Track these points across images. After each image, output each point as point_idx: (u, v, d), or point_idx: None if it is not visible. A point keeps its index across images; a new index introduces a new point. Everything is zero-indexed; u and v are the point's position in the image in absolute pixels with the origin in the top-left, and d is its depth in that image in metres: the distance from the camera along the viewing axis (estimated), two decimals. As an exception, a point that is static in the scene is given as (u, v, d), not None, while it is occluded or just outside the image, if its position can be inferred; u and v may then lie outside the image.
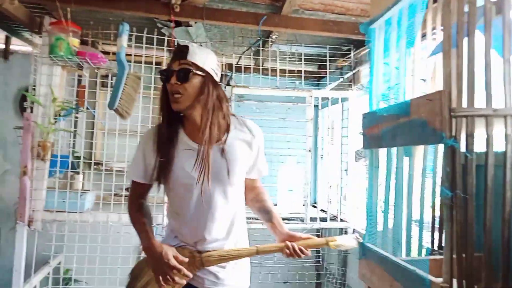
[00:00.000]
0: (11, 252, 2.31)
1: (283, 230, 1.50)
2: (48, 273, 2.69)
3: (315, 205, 3.25)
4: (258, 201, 1.56)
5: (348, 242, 1.49)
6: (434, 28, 1.57)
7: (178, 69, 1.29)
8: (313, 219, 2.64)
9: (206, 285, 1.39)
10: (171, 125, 1.36)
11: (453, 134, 1.05)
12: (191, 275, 1.33)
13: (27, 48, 3.18)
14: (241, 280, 1.47)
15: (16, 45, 3.23)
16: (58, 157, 2.54)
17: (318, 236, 3.18)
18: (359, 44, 2.69)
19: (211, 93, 1.31)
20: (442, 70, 1.12)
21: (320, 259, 2.96)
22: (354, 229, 2.71)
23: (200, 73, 1.30)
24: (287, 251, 1.38)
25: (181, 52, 1.30)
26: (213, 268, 1.38)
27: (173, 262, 1.30)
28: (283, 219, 2.63)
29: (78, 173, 2.80)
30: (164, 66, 2.62)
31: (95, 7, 2.25)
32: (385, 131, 1.40)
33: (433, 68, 1.55)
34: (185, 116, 1.37)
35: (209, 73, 1.32)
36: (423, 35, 1.56)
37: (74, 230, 2.58)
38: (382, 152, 1.59)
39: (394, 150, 1.51)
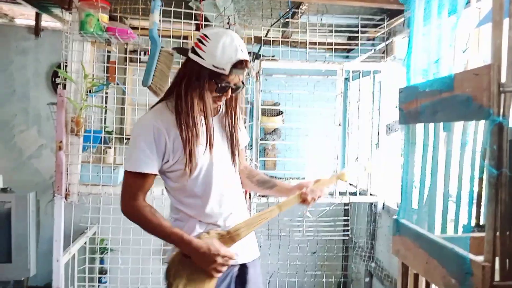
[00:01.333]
0: (51, 223, 2.42)
1: (291, 187, 1.52)
2: (85, 243, 2.81)
3: (343, 179, 3.23)
4: (254, 175, 1.58)
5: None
6: (479, -4, 1.48)
7: (235, 86, 1.34)
8: (342, 193, 2.63)
9: (239, 260, 1.41)
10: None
11: (502, 110, 1.01)
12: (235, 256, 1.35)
13: (57, 24, 3.21)
14: (255, 241, 1.55)
15: (46, 21, 3.26)
16: (91, 132, 2.61)
17: (346, 211, 3.19)
18: (393, 14, 2.58)
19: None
20: (489, 41, 1.06)
21: (349, 232, 2.97)
22: (384, 203, 2.69)
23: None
24: (305, 196, 1.41)
25: (245, 68, 1.32)
26: (241, 242, 1.39)
27: (224, 250, 1.30)
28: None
29: (110, 147, 2.87)
30: (191, 41, 2.60)
31: (123, -18, 2.23)
32: (425, 106, 1.36)
33: (477, 39, 1.47)
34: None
35: None
36: (466, 2, 1.47)
37: (109, 202, 2.67)
38: (419, 127, 1.54)
39: (431, 125, 1.46)
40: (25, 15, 3.22)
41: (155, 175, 1.35)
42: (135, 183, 1.32)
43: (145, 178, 1.32)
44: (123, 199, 1.34)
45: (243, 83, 1.35)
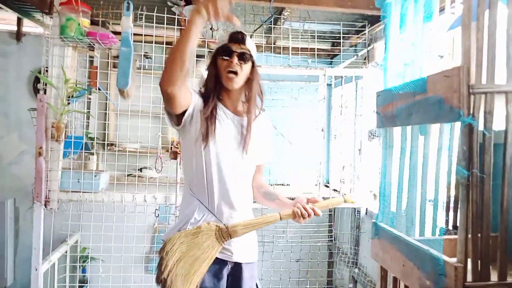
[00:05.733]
0: (30, 231, 2.37)
1: (289, 202, 1.54)
2: (66, 251, 2.76)
3: (327, 185, 3.24)
4: (263, 186, 1.65)
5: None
6: (453, 1, 1.50)
7: (240, 51, 1.46)
8: (325, 199, 2.63)
9: (234, 257, 1.47)
10: (216, 98, 1.50)
11: (471, 111, 1.02)
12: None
13: (39, 30, 3.18)
14: (256, 247, 1.61)
15: (28, 26, 3.23)
16: (72, 138, 2.57)
17: (331, 216, 3.19)
18: (374, 20, 2.61)
19: (258, 76, 1.54)
20: (461, 45, 1.07)
21: (333, 238, 2.96)
22: (367, 208, 2.69)
23: (253, 58, 1.51)
24: (298, 211, 1.41)
25: (241, 37, 1.48)
26: (237, 239, 1.43)
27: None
28: (293, 199, 2.64)
29: (92, 154, 2.84)
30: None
31: (105, -14, 2.22)
32: (400, 109, 1.36)
33: (452, 43, 1.49)
34: (227, 92, 1.51)
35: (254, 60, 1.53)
36: (442, 9, 1.50)
37: (90, 209, 2.63)
38: (397, 131, 1.55)
39: (408, 128, 1.47)
40: (6, 20, 3.19)
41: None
42: None
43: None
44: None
45: (250, 56, 1.47)
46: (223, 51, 1.47)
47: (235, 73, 1.45)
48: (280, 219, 1.44)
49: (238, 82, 1.48)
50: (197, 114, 1.44)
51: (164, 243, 1.41)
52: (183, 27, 2.60)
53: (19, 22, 3.20)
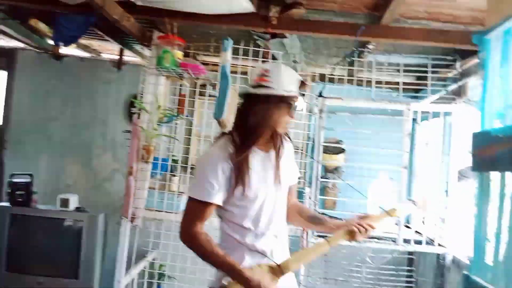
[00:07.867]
0: (115, 244, 2.54)
1: (340, 223, 1.51)
2: (145, 267, 2.90)
3: (408, 225, 3.04)
4: (305, 211, 1.60)
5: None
6: None
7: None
8: (406, 241, 2.47)
9: None
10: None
11: None
12: None
13: (136, 59, 3.51)
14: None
15: (128, 56, 3.59)
16: (159, 160, 2.75)
17: (410, 260, 2.98)
18: (465, 54, 2.47)
19: None
20: None
21: (413, 285, 2.75)
22: (453, 256, 2.47)
23: None
24: (356, 229, 1.40)
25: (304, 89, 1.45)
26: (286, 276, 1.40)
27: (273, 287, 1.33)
28: (373, 237, 2.52)
29: (175, 175, 3.00)
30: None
31: (200, 22, 2.37)
32: (501, 153, 1.26)
33: None
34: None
35: None
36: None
37: (170, 229, 2.75)
38: (495, 175, 1.42)
39: (509, 174, 1.35)
40: (110, 51, 3.57)
41: (217, 206, 1.39)
42: (197, 210, 1.38)
43: (208, 207, 1.38)
44: (183, 225, 1.40)
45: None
46: (291, 106, 1.40)
47: None
48: (329, 245, 1.41)
49: None
50: (228, 178, 1.37)
51: None
52: (267, 59, 2.69)
53: (121, 53, 3.56)
